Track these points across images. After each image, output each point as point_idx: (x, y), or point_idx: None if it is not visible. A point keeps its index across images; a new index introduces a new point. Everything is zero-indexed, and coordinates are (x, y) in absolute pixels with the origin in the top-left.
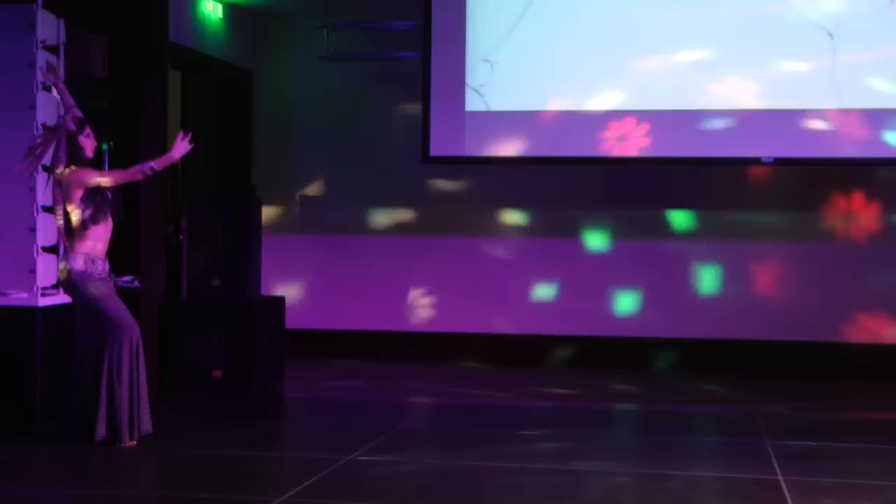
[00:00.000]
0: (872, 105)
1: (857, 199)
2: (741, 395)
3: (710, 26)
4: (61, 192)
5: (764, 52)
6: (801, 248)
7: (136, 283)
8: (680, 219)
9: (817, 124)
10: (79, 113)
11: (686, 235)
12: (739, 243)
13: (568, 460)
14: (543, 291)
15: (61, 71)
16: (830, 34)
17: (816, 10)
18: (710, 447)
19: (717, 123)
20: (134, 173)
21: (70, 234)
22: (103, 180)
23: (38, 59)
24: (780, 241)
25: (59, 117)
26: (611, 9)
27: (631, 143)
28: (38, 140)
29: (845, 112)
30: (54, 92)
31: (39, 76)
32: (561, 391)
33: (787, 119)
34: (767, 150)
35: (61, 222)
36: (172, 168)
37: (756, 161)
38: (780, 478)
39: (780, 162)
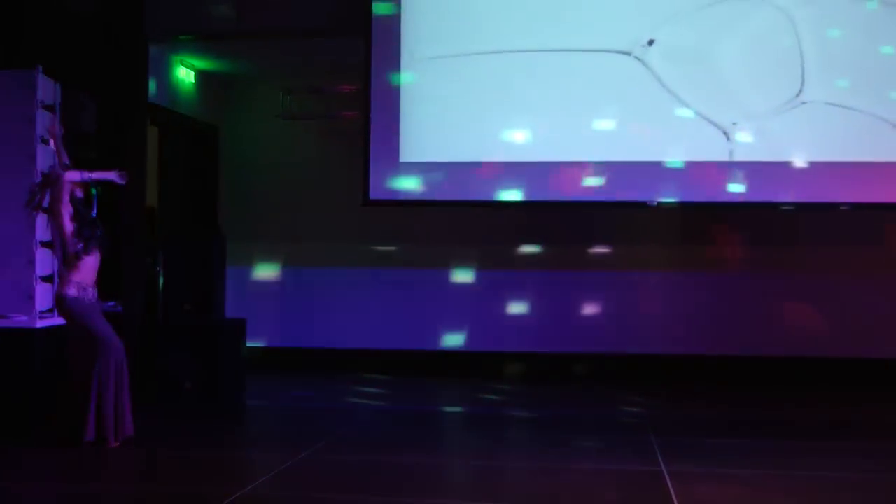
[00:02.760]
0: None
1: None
2: (632, 400)
3: (604, 91)
4: (56, 227)
5: (648, 114)
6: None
7: (119, 308)
8: (586, 253)
9: (693, 172)
10: (66, 160)
11: (590, 266)
12: (628, 273)
13: (487, 457)
14: (478, 313)
15: (58, 129)
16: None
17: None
18: (604, 444)
19: (608, 172)
20: (78, 175)
21: (66, 265)
22: (66, 189)
23: (37, 117)
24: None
25: (51, 166)
26: (523, 78)
27: (542, 189)
28: (36, 187)
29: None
30: (51, 144)
31: (39, 131)
32: (481, 399)
33: (669, 168)
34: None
35: (60, 255)
36: (150, 210)
37: (643, 204)
38: (663, 469)
39: (661, 205)
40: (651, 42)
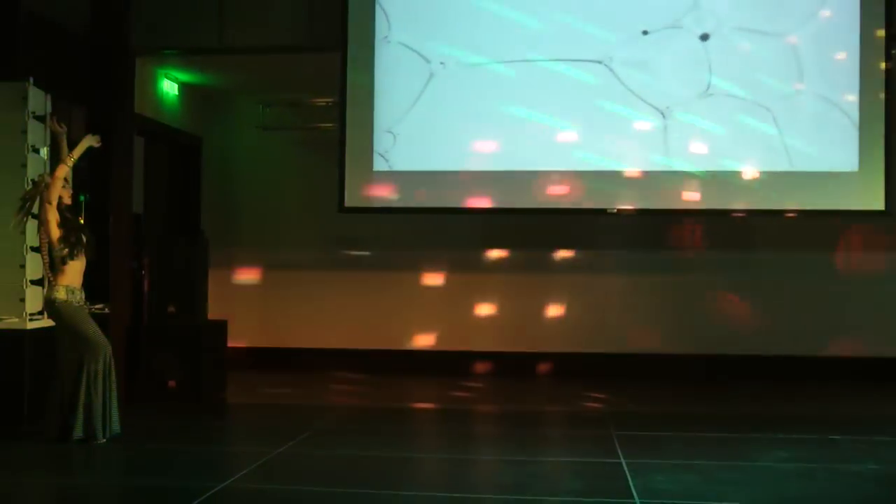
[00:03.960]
0: (695, 168)
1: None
2: (594, 397)
3: (568, 105)
4: (44, 233)
5: (609, 127)
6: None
7: (107, 310)
8: (550, 257)
9: (651, 181)
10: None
11: (553, 269)
12: (591, 276)
13: (457, 451)
14: (448, 314)
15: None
16: (662, 113)
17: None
18: (567, 438)
19: (571, 181)
20: (65, 165)
21: (53, 269)
22: (56, 186)
23: (29, 127)
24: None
25: (39, 176)
26: (492, 90)
27: (506, 197)
28: (27, 195)
29: (673, 173)
30: (41, 153)
31: (30, 140)
32: (450, 396)
33: (628, 178)
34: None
35: (47, 259)
36: (136, 216)
37: (604, 211)
38: (622, 461)
39: (622, 211)
40: (645, 32)
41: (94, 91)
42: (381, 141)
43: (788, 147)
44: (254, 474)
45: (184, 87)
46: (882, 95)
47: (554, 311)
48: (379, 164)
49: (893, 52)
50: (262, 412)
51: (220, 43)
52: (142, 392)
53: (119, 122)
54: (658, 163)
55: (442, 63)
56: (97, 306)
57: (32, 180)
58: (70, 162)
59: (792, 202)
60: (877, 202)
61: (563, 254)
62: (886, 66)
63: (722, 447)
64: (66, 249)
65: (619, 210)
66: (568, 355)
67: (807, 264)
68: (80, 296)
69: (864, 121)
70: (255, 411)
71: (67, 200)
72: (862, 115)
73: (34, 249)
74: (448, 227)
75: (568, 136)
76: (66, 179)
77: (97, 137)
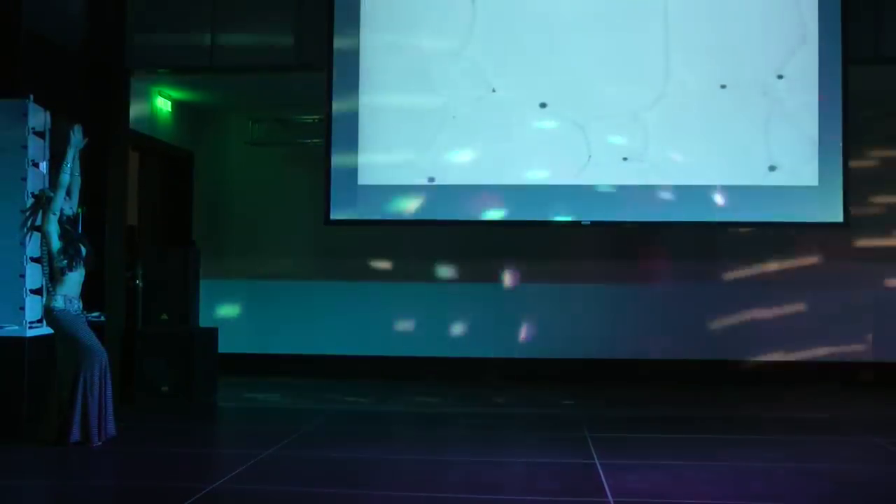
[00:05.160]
0: (662, 183)
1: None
2: (568, 401)
3: (549, 120)
4: (45, 245)
5: (583, 144)
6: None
7: (103, 318)
8: (526, 267)
9: (622, 196)
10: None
11: (531, 279)
12: (563, 286)
13: (436, 452)
14: (427, 321)
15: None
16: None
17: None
18: (542, 440)
19: (546, 195)
20: (62, 174)
21: (52, 279)
22: (59, 196)
23: (29, 143)
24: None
25: (41, 190)
26: (471, 108)
27: (480, 210)
28: (29, 210)
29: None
30: (41, 167)
31: (31, 155)
32: (429, 400)
33: (597, 192)
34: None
35: (47, 270)
36: (130, 228)
37: (577, 224)
38: (596, 461)
39: (595, 223)
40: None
41: (91, 108)
42: (366, 156)
43: (754, 163)
44: (243, 475)
45: (176, 104)
46: (840, 115)
47: (529, 318)
48: (364, 179)
49: (849, 67)
50: (250, 416)
51: (211, 62)
52: (135, 396)
53: (114, 137)
54: (628, 178)
55: (424, 79)
56: (93, 314)
57: (33, 193)
58: (65, 167)
59: (755, 215)
60: (835, 215)
61: (539, 264)
62: (843, 90)
63: (691, 448)
64: (66, 261)
65: (591, 222)
66: (543, 361)
67: (772, 273)
68: (77, 305)
69: (823, 139)
70: (244, 415)
71: (68, 213)
72: (821, 133)
73: (34, 259)
74: (429, 239)
75: (550, 149)
76: (68, 193)
77: (80, 131)
